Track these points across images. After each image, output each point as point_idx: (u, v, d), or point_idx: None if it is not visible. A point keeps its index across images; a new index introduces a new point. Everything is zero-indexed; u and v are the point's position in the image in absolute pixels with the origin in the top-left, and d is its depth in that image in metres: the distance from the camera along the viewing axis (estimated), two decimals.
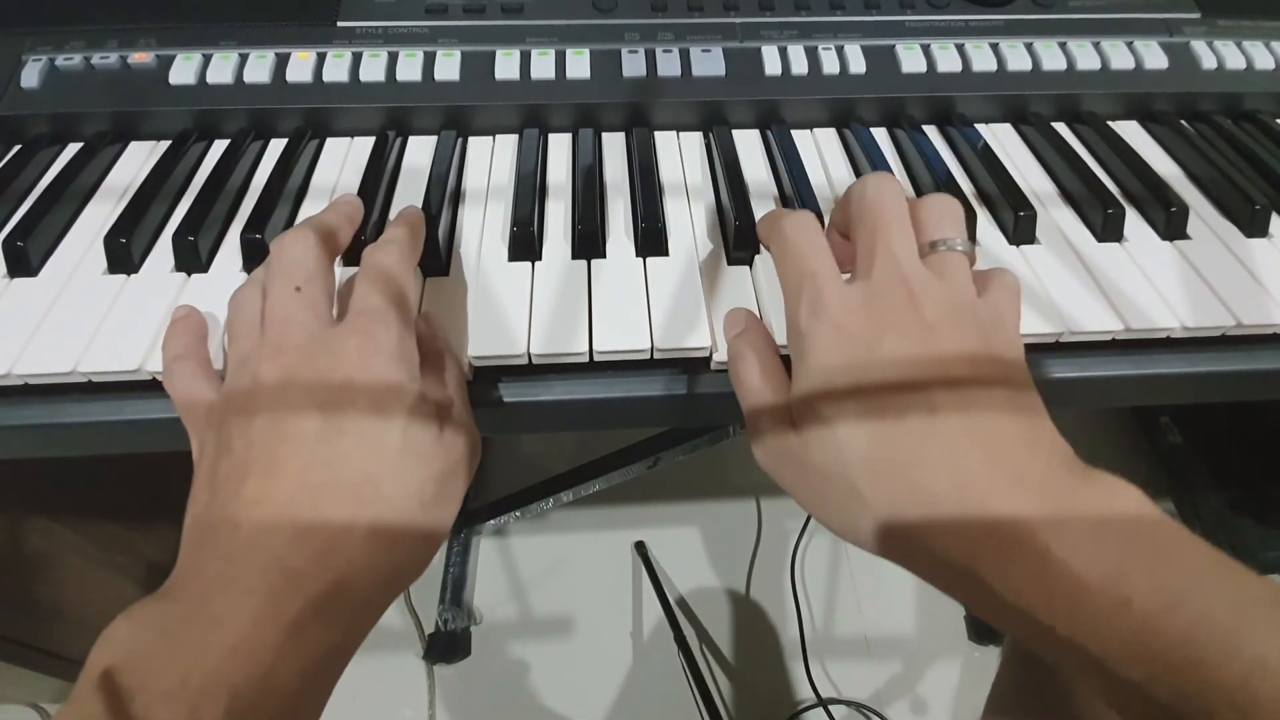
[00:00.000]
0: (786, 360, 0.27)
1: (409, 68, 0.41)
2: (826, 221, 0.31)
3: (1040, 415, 0.23)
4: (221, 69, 0.41)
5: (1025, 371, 0.25)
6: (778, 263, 0.27)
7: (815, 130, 0.44)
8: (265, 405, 0.24)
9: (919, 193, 0.40)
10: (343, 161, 0.41)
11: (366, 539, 0.23)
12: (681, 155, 0.42)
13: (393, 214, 0.37)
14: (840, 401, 0.23)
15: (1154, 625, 0.19)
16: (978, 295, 0.26)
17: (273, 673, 0.21)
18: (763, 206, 0.38)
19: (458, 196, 0.39)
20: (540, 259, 0.35)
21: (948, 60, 0.43)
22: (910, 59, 0.43)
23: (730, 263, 0.35)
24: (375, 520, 0.24)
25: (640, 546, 0.96)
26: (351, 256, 0.32)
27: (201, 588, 0.22)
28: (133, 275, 0.34)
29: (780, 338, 0.30)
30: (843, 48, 0.44)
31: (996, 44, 0.44)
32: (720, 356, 0.31)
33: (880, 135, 0.43)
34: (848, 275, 0.26)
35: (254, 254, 0.34)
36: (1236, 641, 0.18)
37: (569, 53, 0.43)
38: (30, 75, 0.41)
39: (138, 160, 0.41)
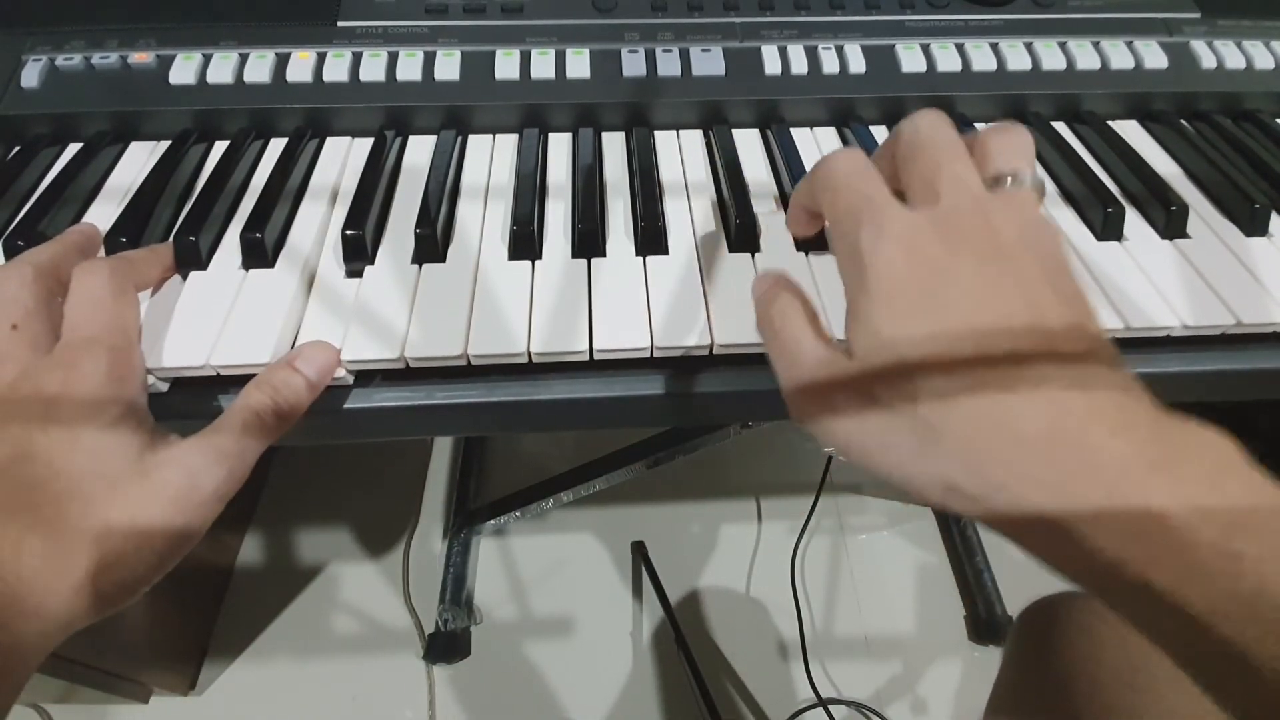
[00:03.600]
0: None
1: (409, 67, 0.41)
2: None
3: (1123, 362, 0.21)
4: (221, 69, 0.41)
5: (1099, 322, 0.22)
6: (827, 207, 0.24)
7: (815, 129, 0.44)
8: None
9: None
10: (343, 161, 0.41)
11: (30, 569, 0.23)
12: (681, 155, 0.42)
13: (394, 213, 0.37)
14: (910, 329, 0.21)
15: (1268, 582, 0.17)
16: None
17: None
18: (763, 206, 0.38)
19: (457, 196, 0.39)
20: (540, 258, 0.35)
21: (947, 60, 0.43)
22: (910, 59, 0.44)
23: (730, 262, 0.35)
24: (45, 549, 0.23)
25: (640, 546, 0.96)
26: None
27: None
28: None
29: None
30: (843, 47, 0.44)
31: (996, 44, 0.44)
32: (723, 339, 0.31)
33: (880, 134, 0.43)
34: None
35: (253, 252, 0.34)
36: None
37: (569, 52, 0.43)
38: (30, 75, 0.41)
39: (138, 161, 0.41)
